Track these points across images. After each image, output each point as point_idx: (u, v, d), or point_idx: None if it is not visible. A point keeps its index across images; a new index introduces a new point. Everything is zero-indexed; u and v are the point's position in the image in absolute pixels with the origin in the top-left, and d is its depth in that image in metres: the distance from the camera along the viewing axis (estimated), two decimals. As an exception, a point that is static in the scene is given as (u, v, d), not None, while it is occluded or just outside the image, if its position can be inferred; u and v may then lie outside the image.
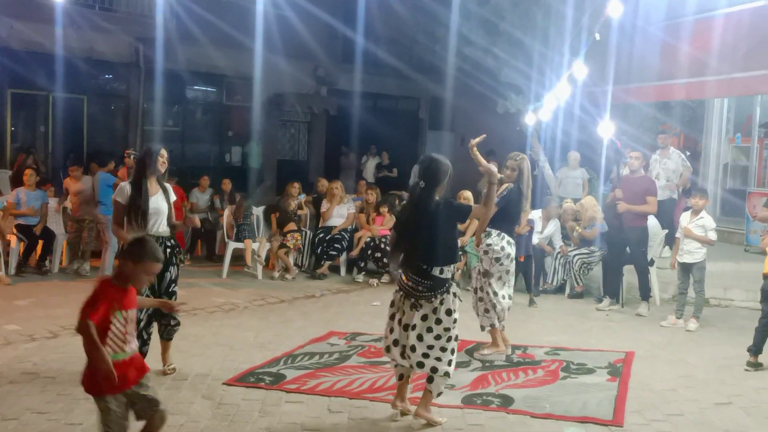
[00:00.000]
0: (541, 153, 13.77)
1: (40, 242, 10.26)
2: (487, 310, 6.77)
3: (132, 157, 10.91)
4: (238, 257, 10.86)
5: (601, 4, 9.54)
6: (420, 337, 5.10)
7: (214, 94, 19.06)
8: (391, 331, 5.25)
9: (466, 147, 6.27)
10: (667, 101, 13.75)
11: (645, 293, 8.93)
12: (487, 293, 6.74)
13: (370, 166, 18.93)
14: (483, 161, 5.92)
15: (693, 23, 11.99)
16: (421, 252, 5.09)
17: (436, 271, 5.08)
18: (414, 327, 5.11)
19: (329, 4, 18.37)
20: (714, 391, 5.96)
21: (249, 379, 5.95)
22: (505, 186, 6.81)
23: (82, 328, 3.68)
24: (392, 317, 5.27)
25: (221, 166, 17.67)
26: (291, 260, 10.80)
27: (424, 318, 5.12)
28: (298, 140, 20.91)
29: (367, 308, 8.90)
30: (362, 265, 10.76)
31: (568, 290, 9.86)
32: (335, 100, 20.22)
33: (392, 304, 5.30)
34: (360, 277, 10.61)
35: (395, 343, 5.22)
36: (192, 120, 18.78)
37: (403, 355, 5.19)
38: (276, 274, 10.61)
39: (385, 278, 10.53)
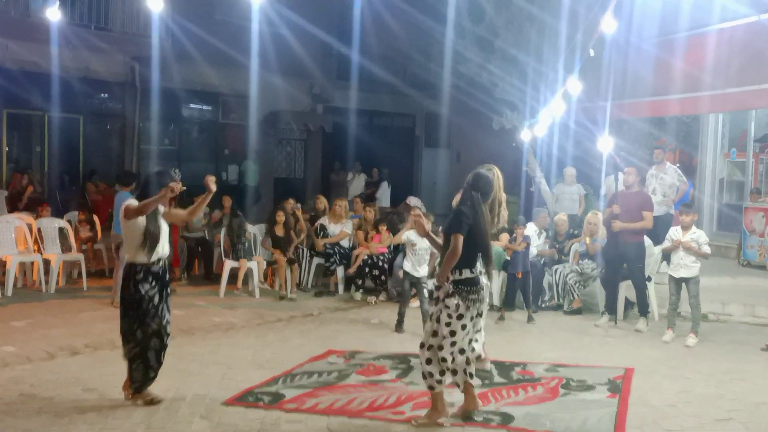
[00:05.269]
0: (537, 169, 13.80)
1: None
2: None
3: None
4: (237, 276, 10.79)
5: (595, 20, 9.63)
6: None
7: (210, 113, 19.10)
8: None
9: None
10: (661, 117, 13.81)
11: (643, 309, 8.90)
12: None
13: (357, 183, 18.80)
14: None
15: (686, 39, 12.04)
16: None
17: None
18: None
19: (324, 21, 18.48)
20: (714, 406, 5.94)
21: (248, 398, 5.92)
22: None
23: None
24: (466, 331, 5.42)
25: (218, 185, 17.62)
26: (287, 276, 10.57)
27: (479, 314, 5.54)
28: (295, 158, 20.95)
29: (365, 326, 8.87)
30: (360, 282, 10.72)
31: (565, 306, 9.84)
32: (331, 117, 20.28)
33: (468, 323, 5.39)
34: (358, 295, 10.58)
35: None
36: (188, 139, 18.81)
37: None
38: (284, 293, 10.40)
39: (383, 296, 10.50)
